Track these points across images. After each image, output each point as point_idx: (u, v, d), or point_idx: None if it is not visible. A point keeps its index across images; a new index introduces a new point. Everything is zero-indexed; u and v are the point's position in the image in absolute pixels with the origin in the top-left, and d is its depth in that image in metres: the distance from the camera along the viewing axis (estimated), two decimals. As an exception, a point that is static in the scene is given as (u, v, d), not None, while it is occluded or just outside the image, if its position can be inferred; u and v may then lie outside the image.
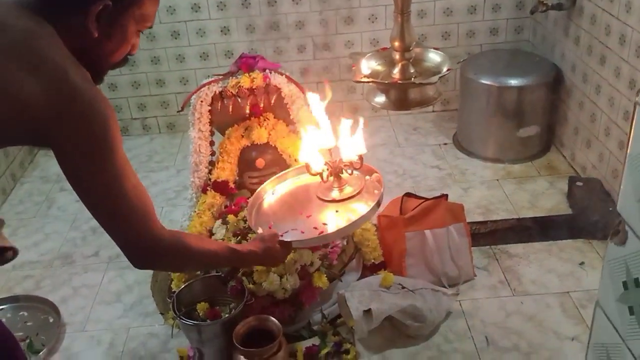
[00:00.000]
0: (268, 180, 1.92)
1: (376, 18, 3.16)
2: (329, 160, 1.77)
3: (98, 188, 1.15)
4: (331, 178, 1.78)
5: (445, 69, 1.61)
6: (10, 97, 1.05)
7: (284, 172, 1.95)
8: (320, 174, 1.76)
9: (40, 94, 1.05)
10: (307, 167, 1.78)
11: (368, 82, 1.58)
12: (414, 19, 3.12)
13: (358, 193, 1.75)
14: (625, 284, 0.94)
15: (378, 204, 1.70)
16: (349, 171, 1.77)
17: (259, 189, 1.90)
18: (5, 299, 2.25)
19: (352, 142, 1.75)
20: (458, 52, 3.23)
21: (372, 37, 3.21)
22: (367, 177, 1.81)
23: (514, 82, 2.83)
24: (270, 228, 1.68)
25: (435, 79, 1.54)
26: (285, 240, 1.63)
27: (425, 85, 1.57)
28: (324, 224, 1.69)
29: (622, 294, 0.95)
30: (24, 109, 1.05)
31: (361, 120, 1.74)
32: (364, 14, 3.15)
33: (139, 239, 1.21)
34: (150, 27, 1.25)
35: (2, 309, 2.22)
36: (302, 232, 1.67)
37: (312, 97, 1.78)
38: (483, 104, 2.92)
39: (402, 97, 1.60)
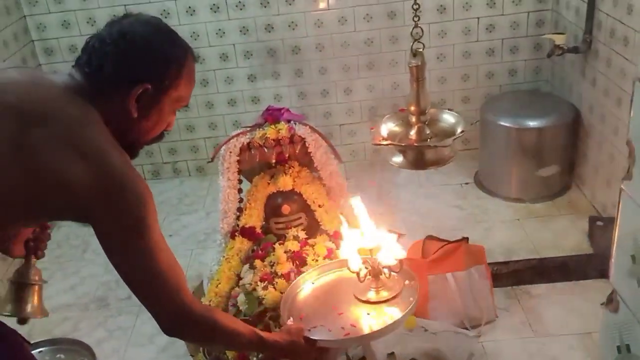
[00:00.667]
0: (310, 270, 1.95)
1: (397, 63, 3.27)
2: (369, 260, 1.78)
3: (133, 264, 1.21)
4: (369, 277, 1.79)
5: (459, 130, 1.69)
6: (60, 179, 1.13)
7: (327, 263, 1.98)
8: (358, 274, 1.78)
9: (85, 177, 1.13)
10: (347, 264, 1.81)
11: (386, 144, 1.67)
12: (434, 62, 3.22)
13: (393, 298, 1.76)
14: (619, 348, 0.99)
15: (408, 314, 1.71)
16: (388, 273, 1.78)
17: (298, 278, 1.93)
18: (44, 341, 2.34)
19: (392, 246, 1.78)
20: (478, 93, 3.31)
21: (392, 81, 3.31)
22: (407, 282, 1.81)
23: (533, 123, 2.90)
24: (301, 319, 1.71)
25: (449, 141, 1.62)
26: (311, 337, 1.63)
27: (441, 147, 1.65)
28: (353, 325, 1.69)
29: (617, 358, 1.01)
30: (70, 190, 1.14)
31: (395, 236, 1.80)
32: (386, 59, 3.26)
33: (170, 310, 1.27)
34: (186, 107, 1.34)
35: (40, 351, 2.32)
36: (330, 330, 1.68)
37: (356, 201, 1.84)
38: (503, 144, 2.99)
39: (419, 158, 1.68)
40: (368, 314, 1.74)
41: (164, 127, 1.32)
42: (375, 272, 1.78)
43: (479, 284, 2.26)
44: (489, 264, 2.35)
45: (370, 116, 1.77)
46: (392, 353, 1.98)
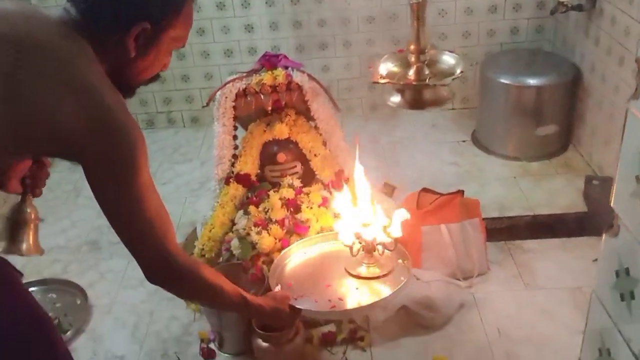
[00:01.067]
0: (302, 240, 1.94)
1: (397, 17, 3.21)
2: (364, 235, 1.78)
3: (121, 208, 1.20)
4: (362, 252, 1.79)
5: (458, 71, 1.66)
6: (50, 115, 1.10)
7: (319, 235, 1.96)
8: (350, 247, 1.78)
9: (76, 115, 1.10)
10: (340, 237, 1.81)
11: (384, 83, 1.65)
12: (435, 18, 3.18)
13: (384, 275, 1.77)
14: (617, 272, 0.99)
15: (397, 293, 1.72)
16: (381, 250, 1.78)
17: (287, 249, 1.92)
18: (35, 281, 2.35)
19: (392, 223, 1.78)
20: (478, 51, 3.27)
21: (392, 36, 3.26)
22: (400, 261, 1.82)
23: (533, 81, 2.87)
24: (289, 286, 1.70)
25: (448, 80, 1.60)
26: (296, 306, 1.64)
27: (439, 87, 1.63)
28: (340, 299, 1.70)
29: (615, 282, 1.01)
30: (60, 128, 1.11)
31: (403, 210, 1.80)
32: (385, 13, 3.21)
33: (154, 258, 1.26)
34: (183, 47, 1.30)
35: (32, 290, 2.32)
36: (316, 301, 1.68)
37: (359, 169, 1.83)
38: (502, 102, 2.96)
39: (417, 98, 1.66)
40: (357, 288, 1.74)
41: (160, 68, 1.30)
42: (368, 248, 1.78)
43: (472, 236, 2.26)
44: (483, 219, 2.35)
45: (370, 57, 1.74)
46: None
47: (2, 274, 1.28)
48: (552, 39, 3.25)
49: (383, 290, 1.74)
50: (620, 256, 0.98)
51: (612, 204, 1.01)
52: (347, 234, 1.80)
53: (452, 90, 1.67)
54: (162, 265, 1.27)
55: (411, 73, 1.66)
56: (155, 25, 1.20)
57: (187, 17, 1.26)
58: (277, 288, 1.70)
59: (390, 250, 1.80)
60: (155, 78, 1.32)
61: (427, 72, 1.65)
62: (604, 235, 1.03)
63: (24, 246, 1.38)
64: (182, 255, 1.31)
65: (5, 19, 1.14)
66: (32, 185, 1.38)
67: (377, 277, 1.78)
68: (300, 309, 1.64)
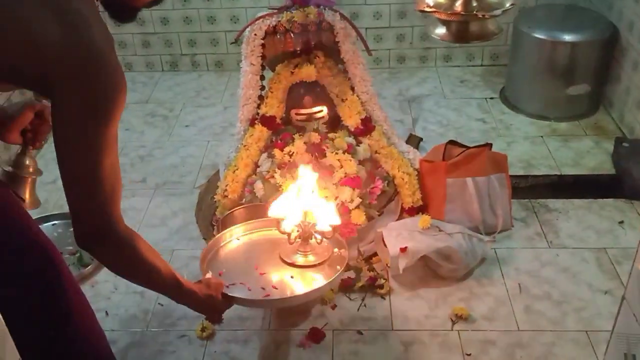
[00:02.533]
0: (236, 226, 1.86)
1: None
2: (302, 222, 1.71)
3: (78, 154, 1.11)
4: (298, 240, 1.72)
5: (508, 4, 1.59)
6: (30, 36, 1.04)
7: (255, 221, 1.88)
8: (289, 235, 1.71)
9: (59, 40, 1.04)
10: (277, 224, 1.73)
11: (430, 12, 1.58)
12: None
13: (320, 264, 1.71)
14: None
15: (332, 284, 1.68)
16: (319, 239, 1.72)
17: (222, 233, 1.84)
18: (58, 215, 2.36)
19: (328, 212, 1.71)
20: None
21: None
22: (336, 250, 1.75)
23: (567, 37, 2.78)
24: (220, 275, 1.63)
25: (498, 12, 1.54)
26: (229, 294, 1.57)
27: (487, 19, 1.56)
28: (274, 287, 1.64)
29: None
30: (40, 51, 1.04)
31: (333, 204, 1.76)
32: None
33: (93, 216, 1.16)
34: None
35: (54, 224, 2.34)
36: (249, 290, 1.62)
37: (303, 169, 1.77)
38: (534, 59, 2.88)
39: (463, 30, 1.60)
40: (292, 277, 1.69)
41: None
42: (305, 236, 1.72)
43: (498, 191, 2.22)
44: (510, 176, 2.31)
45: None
46: (405, 248, 1.96)
47: (5, 201, 1.26)
48: (590, -4, 3.15)
49: (318, 279, 1.68)
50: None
51: None
52: (287, 221, 1.72)
53: (500, 24, 1.60)
54: (102, 228, 1.17)
55: (458, 4, 1.59)
56: None
57: None
58: (209, 275, 1.61)
59: (328, 239, 1.74)
60: (158, 1, 1.26)
61: (474, 3, 1.58)
62: (637, 248, 1.00)
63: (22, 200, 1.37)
64: (123, 224, 1.22)
65: None
66: (33, 138, 1.36)
67: (313, 266, 1.71)
68: (232, 297, 1.57)
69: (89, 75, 1.06)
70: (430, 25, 1.64)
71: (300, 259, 1.73)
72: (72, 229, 2.20)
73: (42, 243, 1.27)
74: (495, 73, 3.31)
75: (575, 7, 3.09)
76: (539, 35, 2.82)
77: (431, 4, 1.61)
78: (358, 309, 1.98)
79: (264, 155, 2.19)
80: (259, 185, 2.10)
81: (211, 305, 1.50)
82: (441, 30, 1.61)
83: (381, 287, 2.03)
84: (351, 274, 2.06)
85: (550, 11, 3.02)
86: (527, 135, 2.83)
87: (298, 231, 1.72)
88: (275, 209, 1.75)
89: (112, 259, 1.26)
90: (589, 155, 2.68)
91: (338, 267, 1.70)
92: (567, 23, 2.88)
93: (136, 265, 1.27)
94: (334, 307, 1.99)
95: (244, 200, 2.16)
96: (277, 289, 1.64)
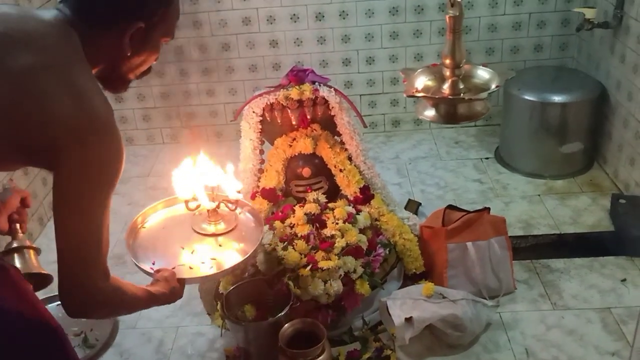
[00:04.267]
0: (139, 213, 1.88)
1: (421, 33, 3.22)
2: (209, 193, 1.78)
3: (84, 217, 1.16)
4: (203, 210, 1.78)
5: (493, 86, 1.66)
6: (44, 110, 1.10)
7: (154, 203, 1.92)
8: (186, 202, 1.78)
9: (67, 110, 1.11)
10: (185, 204, 1.79)
11: (420, 96, 1.64)
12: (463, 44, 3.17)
13: (231, 230, 1.78)
14: None
15: (262, 239, 1.75)
16: (231, 207, 1.80)
17: (131, 223, 1.85)
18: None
19: (229, 180, 1.79)
20: (502, 68, 3.24)
21: (416, 52, 3.27)
22: (239, 210, 1.83)
23: (557, 98, 2.85)
24: (153, 264, 1.66)
25: (484, 95, 1.59)
26: (181, 277, 1.60)
27: (474, 101, 1.62)
28: (213, 258, 1.69)
29: None
30: (51, 124, 1.11)
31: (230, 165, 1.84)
32: (409, 29, 3.22)
33: (89, 281, 1.21)
34: (172, 39, 1.33)
35: (58, 304, 2.32)
36: (191, 268, 1.65)
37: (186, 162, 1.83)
38: (526, 119, 2.95)
39: (452, 112, 1.65)
40: (220, 245, 1.75)
41: (153, 61, 1.33)
42: (211, 205, 1.78)
43: (499, 254, 2.24)
44: (509, 237, 2.33)
45: (403, 71, 1.73)
46: (410, 318, 1.97)
47: (11, 280, 1.28)
48: (577, 57, 3.24)
49: (248, 239, 1.75)
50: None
51: None
52: (185, 189, 1.79)
53: (487, 104, 1.66)
54: (88, 295, 1.22)
55: (446, 87, 1.65)
56: (148, 23, 1.23)
57: (176, 10, 1.31)
58: (152, 266, 1.65)
59: (233, 206, 1.80)
60: (149, 71, 1.35)
61: (461, 86, 1.64)
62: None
63: (33, 268, 1.41)
64: (108, 280, 1.26)
65: (0, 19, 1.16)
66: (20, 220, 1.42)
67: (230, 231, 1.78)
68: (184, 279, 1.60)
69: (97, 143, 1.13)
70: (419, 107, 1.69)
71: (212, 228, 1.78)
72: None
73: (49, 321, 1.29)
74: (489, 133, 3.37)
75: (564, 69, 3.18)
76: (529, 97, 2.89)
77: (419, 88, 1.67)
78: (366, 381, 1.97)
79: (265, 227, 2.21)
80: (261, 259, 2.11)
81: (175, 295, 1.56)
82: (430, 113, 1.66)
83: (388, 358, 2.01)
84: (357, 346, 2.05)
85: (539, 73, 3.11)
86: (524, 194, 2.86)
87: (208, 199, 1.77)
88: (181, 191, 1.80)
89: (105, 312, 1.34)
90: (586, 212, 2.71)
91: (254, 224, 1.80)
92: (556, 84, 2.96)
93: (124, 306, 1.36)
94: (341, 380, 1.97)
95: (246, 274, 2.16)
96: (215, 259, 1.68)
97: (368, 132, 3.42)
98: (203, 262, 1.68)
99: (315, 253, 2.07)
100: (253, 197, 2.28)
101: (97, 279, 1.22)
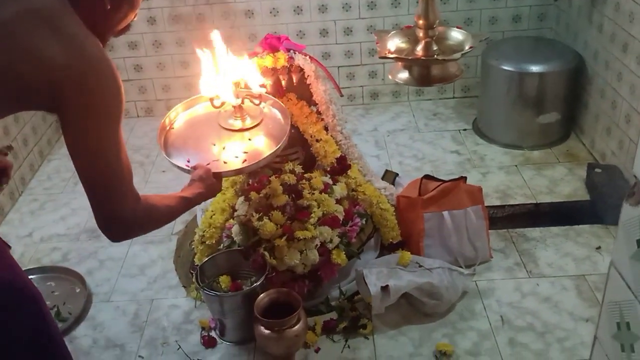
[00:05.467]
0: (172, 110, 1.90)
1: (399, 3, 3.18)
2: (234, 90, 1.81)
3: (99, 158, 1.21)
4: (230, 108, 1.82)
5: (467, 47, 1.63)
6: (35, 55, 1.12)
7: (187, 100, 1.93)
8: (212, 100, 1.80)
9: (61, 57, 1.13)
10: (210, 101, 1.82)
11: (392, 58, 1.61)
12: (437, 4, 3.14)
13: (261, 121, 1.82)
14: (638, 242, 0.97)
15: (288, 133, 1.76)
16: (252, 101, 1.82)
17: (161, 122, 1.87)
18: (34, 269, 2.32)
19: (252, 73, 1.81)
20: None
21: (394, 22, 3.23)
22: (263, 105, 1.85)
23: (535, 68, 2.84)
24: (188, 162, 1.71)
25: (457, 55, 1.57)
26: (217, 172, 1.66)
27: (448, 62, 1.60)
28: (245, 152, 1.73)
29: (636, 251, 0.98)
30: (45, 69, 1.13)
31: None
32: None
33: (119, 214, 1.26)
34: None
35: (30, 278, 2.29)
36: (225, 163, 1.70)
37: (215, 35, 1.84)
38: (504, 90, 2.93)
39: (425, 74, 1.63)
40: (249, 139, 1.78)
41: (132, 17, 1.33)
42: (236, 101, 1.80)
43: (475, 223, 2.24)
44: (486, 207, 2.33)
45: (376, 33, 1.70)
46: (386, 286, 1.96)
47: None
48: (555, 27, 3.23)
49: (275, 130, 1.79)
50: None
51: (633, 171, 0.98)
52: (208, 88, 1.81)
53: (461, 66, 1.64)
54: (126, 220, 1.28)
55: (419, 49, 1.63)
56: None
57: None
58: (187, 163, 1.70)
59: (258, 101, 1.82)
60: (128, 28, 1.36)
61: (435, 47, 1.62)
62: (624, 204, 1.01)
63: None
64: (139, 203, 1.31)
65: None
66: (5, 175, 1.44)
67: (257, 125, 1.81)
68: (220, 173, 1.66)
69: (95, 81, 1.16)
70: (393, 70, 1.66)
71: (241, 123, 1.81)
72: (48, 284, 2.19)
73: (27, 285, 1.27)
74: (467, 105, 3.36)
75: (542, 39, 3.17)
76: (507, 68, 2.88)
77: (393, 50, 1.64)
78: (342, 351, 1.97)
79: (241, 198, 2.19)
80: (236, 230, 2.09)
81: (212, 189, 1.63)
82: (404, 75, 1.64)
83: (364, 327, 2.01)
84: (334, 315, 2.05)
85: (517, 44, 3.09)
86: (501, 165, 2.86)
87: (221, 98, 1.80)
88: (206, 88, 1.82)
89: (143, 231, 1.40)
90: (563, 182, 2.71)
91: (280, 117, 1.82)
92: (534, 54, 2.94)
93: (161, 220, 1.42)
94: (317, 350, 1.97)
95: (222, 245, 2.14)
96: (247, 152, 1.73)
97: (346, 105, 3.39)
98: (236, 157, 1.71)
99: (291, 223, 2.05)
100: (228, 168, 2.24)
101: (127, 206, 1.27)
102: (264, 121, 1.82)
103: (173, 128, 1.86)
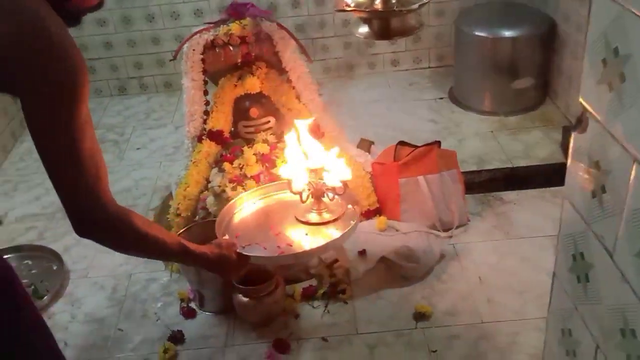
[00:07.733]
0: (249, 191, 1.89)
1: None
2: (313, 181, 1.73)
3: (56, 144, 1.11)
4: (311, 200, 1.75)
5: (426, -1, 1.62)
6: None
7: (267, 185, 1.92)
8: (300, 194, 1.73)
9: (11, 36, 1.04)
10: (288, 184, 1.76)
11: (349, 11, 1.59)
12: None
13: (334, 220, 1.73)
14: (586, 170, 0.98)
15: (346, 236, 1.69)
16: (331, 196, 1.74)
17: (235, 199, 1.86)
18: (9, 248, 2.30)
19: (337, 167, 1.73)
20: (452, 6, 3.23)
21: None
22: (349, 206, 1.77)
23: (507, 33, 2.84)
24: (237, 237, 1.65)
25: (416, 6, 1.56)
26: (244, 253, 1.58)
27: (407, 14, 1.58)
28: (289, 244, 1.66)
29: (585, 179, 0.99)
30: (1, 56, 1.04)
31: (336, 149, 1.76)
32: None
33: (84, 202, 1.16)
34: None
35: (6, 258, 2.25)
36: (265, 249, 1.64)
37: (300, 123, 1.78)
38: (477, 57, 2.93)
39: (384, 27, 1.61)
40: (306, 234, 1.71)
41: None
42: (317, 194, 1.73)
43: (451, 187, 2.24)
44: (463, 173, 2.33)
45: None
46: (363, 251, 1.96)
47: None
48: (526, -8, 3.22)
49: (333, 234, 1.70)
50: (590, 152, 0.95)
51: (579, 99, 0.98)
52: (297, 181, 1.75)
53: (420, 19, 1.63)
54: (93, 211, 1.17)
55: (378, 2, 1.61)
56: None
57: None
58: (225, 237, 1.64)
59: (340, 195, 1.75)
60: (100, 5, 1.26)
61: (394, 0, 1.60)
62: (572, 135, 1.01)
63: None
64: (115, 204, 1.21)
65: None
66: None
67: (327, 223, 1.73)
68: (248, 256, 1.58)
69: (51, 61, 1.06)
70: (352, 24, 1.65)
71: (315, 217, 1.74)
72: (25, 262, 2.17)
73: (5, 266, 1.26)
74: (442, 74, 3.36)
75: (513, 4, 3.16)
76: (479, 34, 2.87)
77: (350, 3, 1.62)
78: (322, 316, 1.97)
79: (215, 170, 2.17)
80: (211, 201, 2.08)
81: (224, 264, 1.51)
82: (363, 29, 1.62)
83: (343, 292, 2.01)
84: (313, 282, 2.05)
85: (489, 9, 3.08)
86: (477, 131, 2.87)
87: (309, 190, 1.73)
88: (285, 170, 1.77)
89: (112, 240, 1.26)
90: (538, 146, 2.73)
91: (352, 221, 1.70)
92: (506, 20, 2.94)
93: (137, 242, 1.28)
94: (297, 316, 1.97)
95: (197, 217, 2.13)
96: (291, 246, 1.66)
97: (322, 77, 3.36)
98: (278, 247, 1.65)
99: (266, 193, 2.04)
100: (200, 140, 2.22)
101: (94, 201, 1.16)
102: (342, 218, 1.73)
103: (246, 206, 1.85)
